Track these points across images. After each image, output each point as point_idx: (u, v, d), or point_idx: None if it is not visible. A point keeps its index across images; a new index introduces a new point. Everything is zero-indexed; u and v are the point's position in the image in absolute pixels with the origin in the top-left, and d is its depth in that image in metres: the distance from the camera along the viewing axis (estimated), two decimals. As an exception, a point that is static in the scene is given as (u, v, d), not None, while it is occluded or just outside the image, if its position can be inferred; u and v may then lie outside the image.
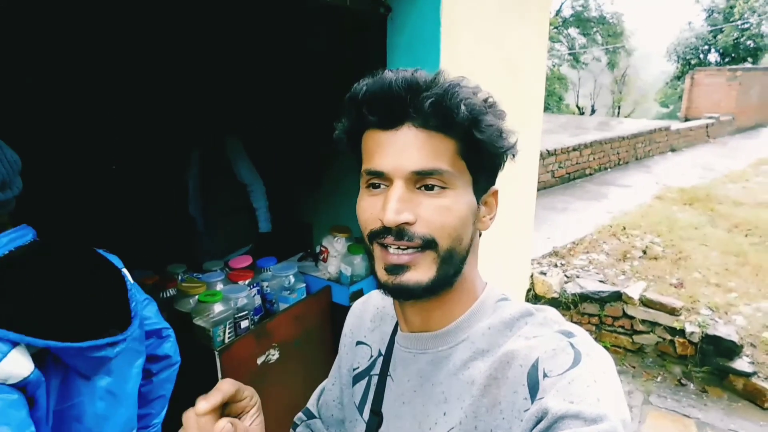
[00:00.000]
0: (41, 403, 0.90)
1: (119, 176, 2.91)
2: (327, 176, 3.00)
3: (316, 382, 0.94)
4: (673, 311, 3.27)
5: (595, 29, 24.67)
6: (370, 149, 0.61)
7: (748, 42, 18.75)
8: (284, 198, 3.10)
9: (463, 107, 0.56)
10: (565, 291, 3.63)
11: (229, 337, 1.81)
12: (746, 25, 18.63)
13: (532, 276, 3.76)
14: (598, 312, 3.56)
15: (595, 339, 3.56)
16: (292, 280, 2.12)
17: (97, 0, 2.45)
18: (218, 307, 1.85)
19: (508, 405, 0.56)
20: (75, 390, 1.00)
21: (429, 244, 0.58)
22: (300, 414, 0.93)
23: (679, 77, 20.52)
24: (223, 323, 1.80)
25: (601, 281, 3.67)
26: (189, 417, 0.55)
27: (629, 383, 3.19)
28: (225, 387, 0.59)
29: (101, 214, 2.78)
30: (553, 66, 24.73)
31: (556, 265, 4.01)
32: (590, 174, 7.58)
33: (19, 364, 0.84)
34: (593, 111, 27.84)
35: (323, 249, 2.28)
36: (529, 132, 2.95)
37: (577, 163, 7.27)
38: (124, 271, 1.17)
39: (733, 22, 18.72)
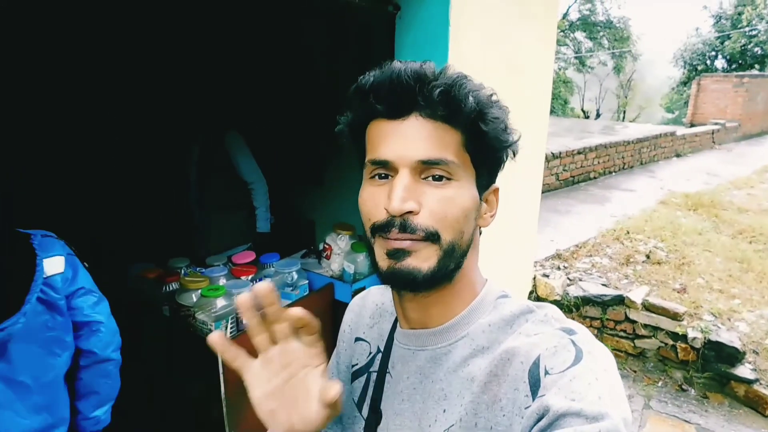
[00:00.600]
0: None
1: (122, 169, 2.91)
2: (330, 173, 3.00)
3: (317, 379, 0.94)
4: (675, 316, 3.26)
5: (601, 33, 24.59)
6: (375, 139, 0.61)
7: (756, 49, 18.65)
8: (287, 195, 3.10)
9: (471, 98, 0.57)
10: (568, 294, 3.62)
11: (231, 333, 1.81)
12: (754, 32, 18.54)
13: (534, 278, 3.75)
14: (600, 315, 3.55)
15: (597, 342, 3.58)
16: (295, 276, 2.13)
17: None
18: (221, 302, 1.86)
19: (509, 402, 0.56)
20: None
21: (431, 237, 0.58)
22: None
23: (686, 83, 20.43)
24: (226, 318, 1.80)
25: (603, 285, 3.66)
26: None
27: (630, 387, 3.18)
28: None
29: (103, 208, 2.79)
30: (559, 69, 24.68)
31: (558, 268, 4.00)
32: (595, 178, 7.56)
33: None
34: (598, 115, 27.76)
35: (326, 246, 2.28)
36: (534, 134, 2.94)
37: (581, 167, 7.24)
38: (52, 260, 1.22)
39: (741, 28, 18.63)
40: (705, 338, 3.10)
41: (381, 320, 0.78)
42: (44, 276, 1.20)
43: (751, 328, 3.19)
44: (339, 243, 2.26)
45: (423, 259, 0.59)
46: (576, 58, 25.18)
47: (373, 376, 0.74)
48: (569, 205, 5.97)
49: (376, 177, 0.61)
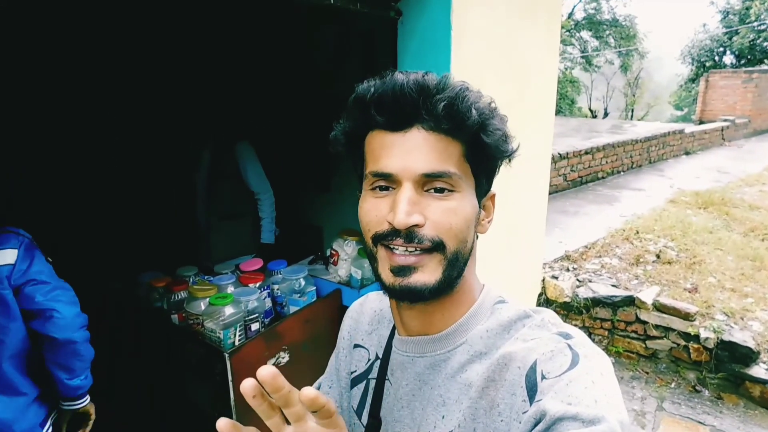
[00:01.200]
0: None
1: (129, 177, 2.93)
2: (337, 180, 3.01)
3: (325, 385, 0.94)
4: (687, 316, 3.22)
5: (607, 32, 24.44)
6: (375, 151, 0.61)
7: (765, 44, 18.44)
8: (294, 201, 3.11)
9: (474, 111, 0.57)
10: (577, 295, 3.60)
11: (239, 340, 1.82)
12: (762, 27, 18.34)
13: (543, 280, 3.73)
14: (610, 317, 3.52)
15: (608, 344, 3.53)
16: (303, 283, 2.13)
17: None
18: (229, 310, 1.87)
19: (507, 407, 0.56)
20: None
21: (437, 247, 0.59)
22: None
23: (694, 79, 20.25)
24: (234, 326, 1.81)
25: (613, 286, 3.63)
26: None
27: (642, 389, 3.15)
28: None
29: (112, 216, 2.82)
30: (566, 69, 24.56)
31: (568, 270, 3.97)
32: (603, 177, 7.51)
33: None
34: (606, 114, 27.58)
35: (333, 252, 2.28)
36: (540, 135, 2.93)
37: (589, 167, 7.20)
38: (2, 253, 1.34)
39: (749, 23, 18.43)
40: (718, 338, 3.06)
41: (379, 326, 0.79)
42: None
43: (765, 327, 3.14)
44: (346, 249, 2.26)
45: (430, 274, 0.59)
46: (582, 57, 25.05)
47: (372, 383, 0.74)
48: (577, 206, 5.94)
49: (377, 189, 0.61)
